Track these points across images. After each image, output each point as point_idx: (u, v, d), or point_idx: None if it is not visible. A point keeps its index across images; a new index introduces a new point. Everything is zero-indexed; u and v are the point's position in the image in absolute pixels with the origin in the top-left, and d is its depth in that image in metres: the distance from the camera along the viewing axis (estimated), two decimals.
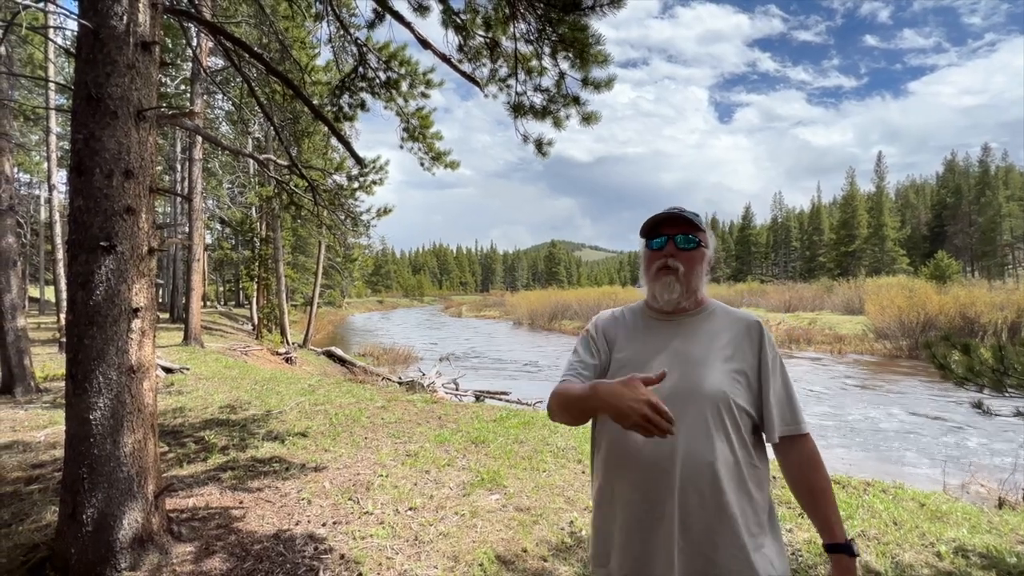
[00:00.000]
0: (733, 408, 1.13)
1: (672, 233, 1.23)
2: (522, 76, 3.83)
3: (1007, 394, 2.60)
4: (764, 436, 1.18)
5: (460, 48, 3.89)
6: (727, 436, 1.12)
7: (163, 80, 16.62)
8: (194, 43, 11.17)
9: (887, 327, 17.88)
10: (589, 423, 1.28)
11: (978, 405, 2.85)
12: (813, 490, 1.17)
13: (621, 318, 1.33)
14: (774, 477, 4.07)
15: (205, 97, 13.65)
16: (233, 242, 26.52)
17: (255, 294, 19.51)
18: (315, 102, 4.64)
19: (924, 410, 10.03)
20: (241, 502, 3.33)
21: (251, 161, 17.95)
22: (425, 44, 3.90)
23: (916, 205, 63.05)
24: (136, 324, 2.47)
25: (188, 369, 8.80)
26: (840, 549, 1.13)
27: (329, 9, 4.67)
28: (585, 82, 3.60)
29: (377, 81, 4.75)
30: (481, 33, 3.81)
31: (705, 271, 1.26)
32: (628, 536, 1.16)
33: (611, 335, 1.30)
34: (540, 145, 4.07)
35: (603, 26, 3.35)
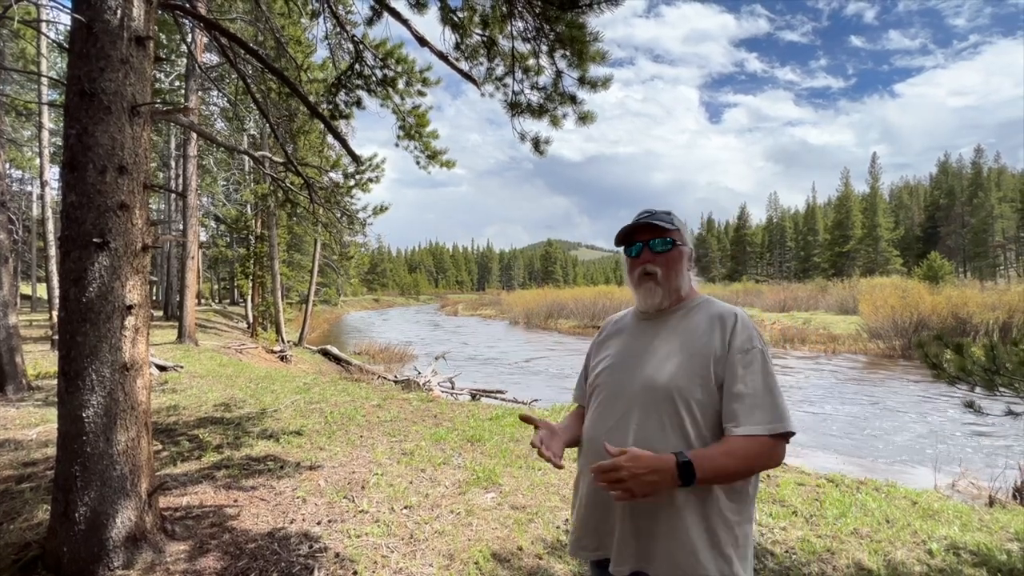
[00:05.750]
0: (692, 403, 1.13)
1: (646, 239, 1.27)
2: (519, 75, 3.82)
3: (998, 393, 2.62)
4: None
5: (457, 46, 3.88)
6: (683, 431, 1.12)
7: (158, 76, 16.49)
8: (189, 39, 11.10)
9: (880, 327, 18.00)
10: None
11: (970, 404, 2.87)
12: (732, 446, 1.08)
13: (621, 321, 1.41)
14: (769, 475, 4.09)
15: (200, 93, 13.56)
16: (228, 239, 26.38)
17: (250, 292, 19.42)
18: (311, 99, 4.62)
19: (916, 409, 10.11)
20: (235, 500, 3.31)
21: (246, 158, 17.85)
22: (422, 42, 3.89)
23: (910, 206, 63.50)
24: (130, 321, 2.46)
25: (182, 367, 8.75)
26: (680, 457, 1.05)
27: (326, 6, 4.65)
28: (582, 81, 3.60)
29: (374, 79, 4.73)
30: (478, 31, 3.80)
31: (686, 268, 1.28)
32: (586, 510, 1.26)
33: (606, 338, 1.40)
34: (537, 144, 4.07)
35: (593, 24, 3.35)
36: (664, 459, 1.04)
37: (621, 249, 1.35)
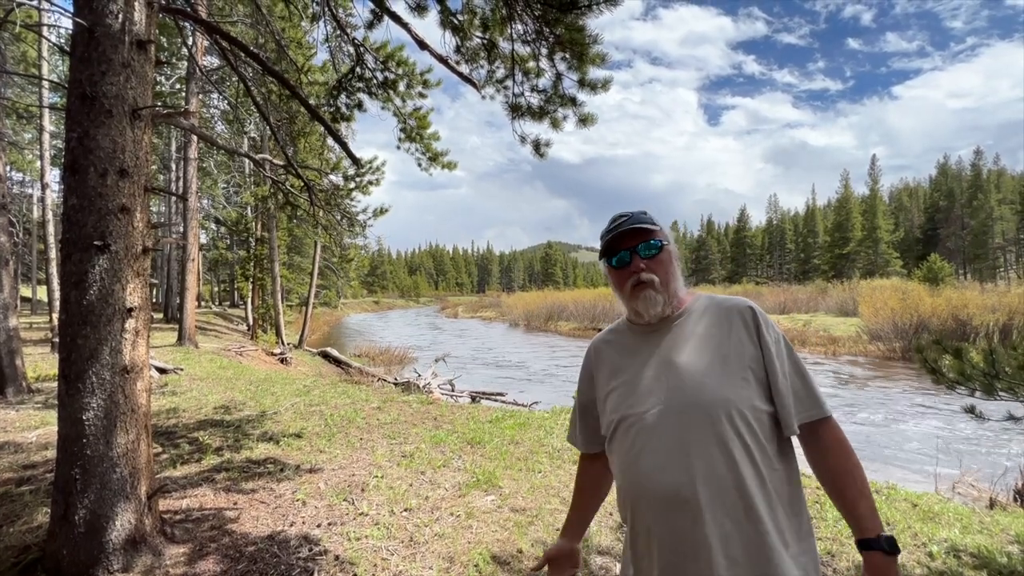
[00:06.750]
0: (746, 412, 1.03)
1: (632, 245, 1.16)
2: (519, 77, 3.83)
3: (998, 398, 2.62)
4: (783, 430, 1.05)
5: (457, 49, 3.89)
6: (745, 445, 1.01)
7: (158, 79, 16.52)
8: (190, 42, 11.12)
9: (880, 329, 17.99)
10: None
11: (971, 410, 2.86)
12: (836, 475, 1.05)
13: (614, 339, 1.26)
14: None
15: (201, 96, 13.59)
16: (228, 242, 26.41)
17: (250, 294, 19.43)
18: (312, 102, 4.63)
19: (916, 411, 10.11)
20: (235, 503, 3.31)
21: (247, 161, 17.88)
22: (422, 45, 3.90)
23: (909, 208, 63.49)
24: (130, 324, 2.46)
25: (182, 369, 8.74)
26: (871, 546, 0.99)
27: (326, 9, 4.66)
28: (582, 83, 3.61)
29: (374, 81, 4.75)
30: (479, 34, 3.81)
31: (679, 268, 1.20)
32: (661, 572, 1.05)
33: (603, 363, 1.25)
34: (538, 146, 4.07)
35: (592, 26, 3.35)
36: (876, 563, 0.98)
37: (602, 262, 1.22)
